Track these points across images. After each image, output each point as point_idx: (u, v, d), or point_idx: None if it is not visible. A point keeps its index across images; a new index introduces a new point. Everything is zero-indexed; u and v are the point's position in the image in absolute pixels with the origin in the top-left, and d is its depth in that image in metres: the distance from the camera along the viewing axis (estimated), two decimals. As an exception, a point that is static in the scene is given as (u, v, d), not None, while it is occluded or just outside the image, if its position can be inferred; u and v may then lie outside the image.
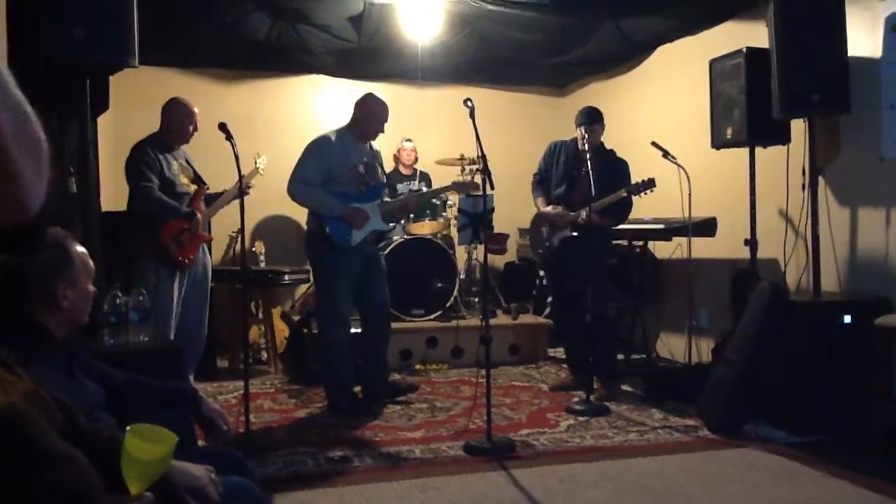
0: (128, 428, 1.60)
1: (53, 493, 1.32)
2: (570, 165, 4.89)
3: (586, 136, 4.72)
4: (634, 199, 4.79)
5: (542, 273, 6.59)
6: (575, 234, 4.77)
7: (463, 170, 6.23)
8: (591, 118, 4.84)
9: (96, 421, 1.79)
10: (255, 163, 4.92)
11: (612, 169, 4.78)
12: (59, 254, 1.93)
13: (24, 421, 1.32)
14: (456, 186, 5.12)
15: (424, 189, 5.97)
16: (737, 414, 4.03)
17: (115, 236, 4.27)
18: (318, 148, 4.49)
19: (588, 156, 4.61)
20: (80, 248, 2.00)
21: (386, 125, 4.61)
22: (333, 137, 4.54)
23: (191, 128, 4.41)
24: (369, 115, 4.55)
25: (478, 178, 5.29)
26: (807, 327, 3.98)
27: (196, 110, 4.44)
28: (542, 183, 5.10)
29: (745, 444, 3.82)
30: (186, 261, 4.33)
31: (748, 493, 3.18)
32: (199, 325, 4.54)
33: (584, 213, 4.64)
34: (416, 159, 6.66)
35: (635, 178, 4.75)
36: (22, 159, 0.66)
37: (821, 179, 4.42)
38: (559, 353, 6.14)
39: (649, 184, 4.61)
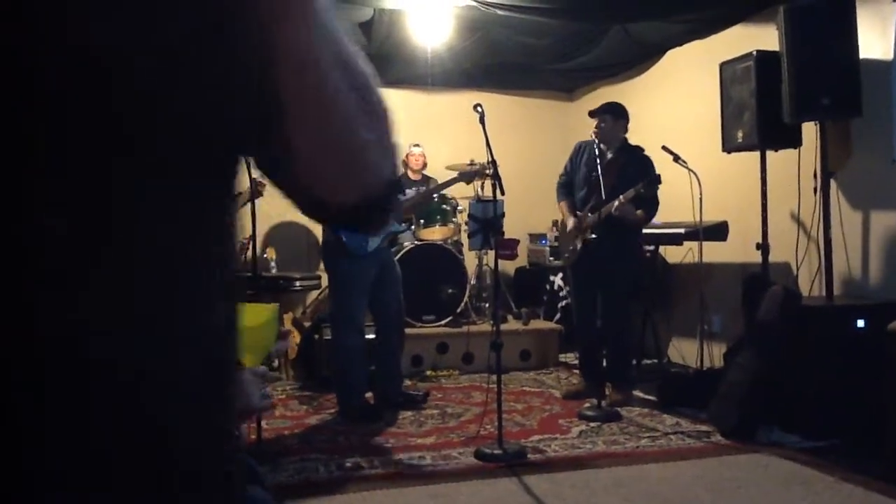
0: None
1: None
2: (590, 166, 4.81)
3: (597, 127, 4.77)
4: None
5: (552, 278, 6.58)
6: (594, 235, 4.70)
7: (474, 178, 6.23)
8: (602, 109, 4.85)
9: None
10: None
11: (634, 167, 4.71)
12: None
13: None
14: (462, 176, 5.11)
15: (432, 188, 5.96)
16: (749, 419, 4.00)
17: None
18: None
19: (584, 156, 4.71)
20: None
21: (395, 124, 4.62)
22: None
23: None
24: None
25: (488, 183, 5.29)
26: (819, 332, 3.95)
27: None
28: (566, 185, 5.07)
29: (757, 449, 3.80)
30: None
31: (761, 499, 3.16)
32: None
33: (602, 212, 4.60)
34: (424, 164, 6.66)
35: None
36: (363, 128, 0.66)
37: (833, 182, 4.39)
38: (570, 358, 6.13)
39: (655, 181, 4.59)
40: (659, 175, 4.61)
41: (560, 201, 5.07)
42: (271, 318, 1.64)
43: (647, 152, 4.91)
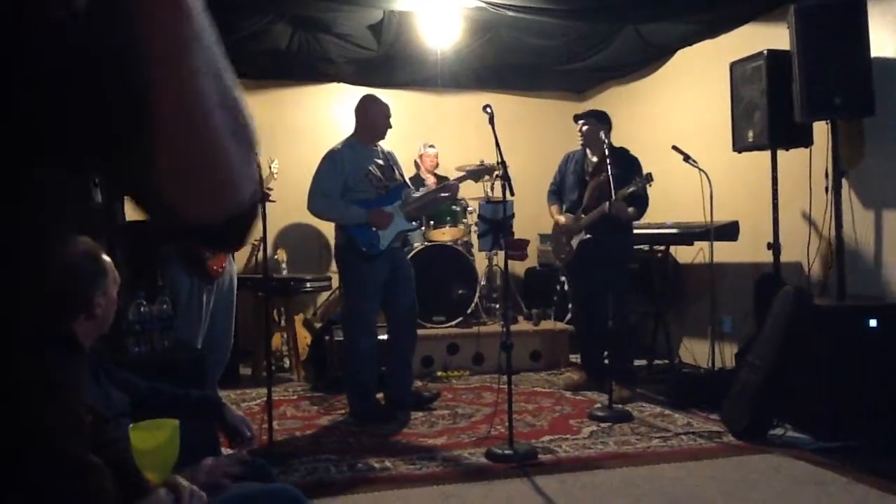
0: (130, 427, 1.67)
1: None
2: (578, 172, 5.08)
3: (580, 130, 5.01)
4: (653, 200, 4.83)
5: (563, 279, 6.57)
6: (588, 236, 4.85)
7: (482, 176, 6.23)
8: (585, 113, 5.08)
9: (120, 428, 1.82)
10: (270, 168, 4.96)
11: (621, 167, 4.79)
12: (93, 263, 1.98)
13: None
14: (470, 175, 5.13)
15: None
16: (761, 419, 3.99)
17: (140, 246, 4.31)
18: (331, 160, 4.52)
19: (572, 164, 5.09)
20: (107, 258, 2.05)
21: (402, 126, 4.65)
22: (343, 147, 4.58)
23: None
24: (372, 116, 4.59)
25: (497, 183, 5.31)
26: (832, 332, 3.93)
27: None
28: (556, 193, 5.28)
29: (770, 449, 3.79)
30: (220, 269, 4.37)
31: (774, 500, 3.15)
32: (225, 334, 4.57)
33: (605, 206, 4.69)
34: (437, 165, 6.67)
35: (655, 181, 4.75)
36: (231, 146, 0.65)
37: (844, 182, 4.37)
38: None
39: (645, 180, 4.69)
40: (650, 173, 4.70)
41: (551, 205, 5.28)
42: (169, 436, 1.68)
43: (655, 153, 4.95)
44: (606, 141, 4.80)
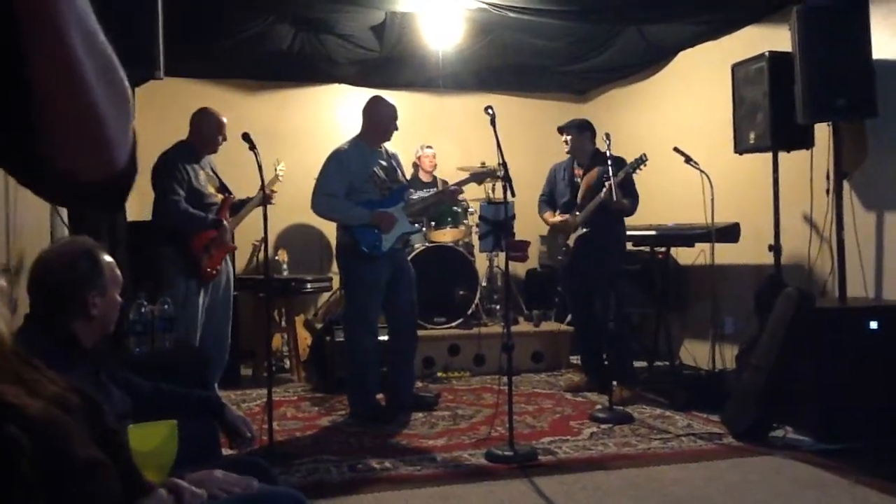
0: (129, 427, 1.69)
1: (79, 501, 1.34)
2: (568, 178, 5.19)
3: (565, 143, 5.14)
4: (654, 201, 4.85)
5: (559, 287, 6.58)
6: (585, 229, 4.90)
7: (485, 179, 6.23)
8: (567, 125, 5.18)
9: (121, 428, 1.82)
10: (275, 170, 4.97)
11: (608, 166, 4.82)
12: (89, 263, 1.97)
13: (59, 431, 1.34)
14: (474, 177, 5.14)
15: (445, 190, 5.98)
16: (762, 421, 3.99)
17: (141, 246, 4.32)
18: (337, 160, 4.53)
19: (561, 173, 5.23)
20: (109, 258, 2.04)
21: (403, 127, 4.67)
22: (349, 148, 4.58)
23: (220, 138, 4.47)
24: (380, 118, 4.59)
25: (498, 185, 5.32)
26: (833, 334, 3.93)
27: (225, 120, 4.49)
28: (548, 201, 5.37)
29: (770, 451, 3.78)
30: (214, 272, 4.38)
31: (774, 502, 3.15)
32: (223, 335, 4.59)
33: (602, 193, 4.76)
34: (435, 166, 6.67)
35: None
36: (106, 104, 0.65)
37: (846, 184, 4.37)
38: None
39: (640, 161, 4.76)
40: (644, 154, 4.77)
41: (543, 213, 5.35)
42: (167, 437, 1.70)
43: (657, 155, 4.98)
44: (592, 147, 5.01)
